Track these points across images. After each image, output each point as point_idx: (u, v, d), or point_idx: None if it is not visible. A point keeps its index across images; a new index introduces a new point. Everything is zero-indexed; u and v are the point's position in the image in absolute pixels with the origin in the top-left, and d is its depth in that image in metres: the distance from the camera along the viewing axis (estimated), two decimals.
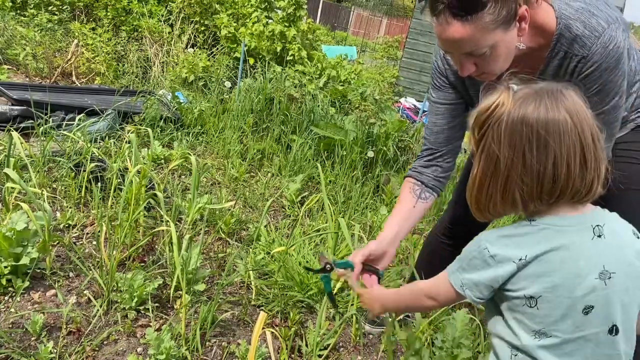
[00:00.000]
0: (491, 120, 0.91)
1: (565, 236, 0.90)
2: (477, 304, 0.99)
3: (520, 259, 0.89)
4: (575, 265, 0.88)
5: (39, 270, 1.88)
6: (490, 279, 0.93)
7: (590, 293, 0.88)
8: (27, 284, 1.77)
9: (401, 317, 2.06)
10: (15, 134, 2.20)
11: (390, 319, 1.58)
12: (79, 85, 4.51)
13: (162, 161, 3.18)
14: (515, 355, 0.96)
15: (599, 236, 0.91)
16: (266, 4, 5.62)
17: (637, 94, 1.43)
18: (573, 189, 0.88)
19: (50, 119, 2.99)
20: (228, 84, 4.48)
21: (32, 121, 2.97)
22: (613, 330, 0.91)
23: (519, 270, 0.90)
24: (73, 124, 3.01)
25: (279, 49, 5.37)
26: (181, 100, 4.05)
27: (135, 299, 1.78)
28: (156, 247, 2.19)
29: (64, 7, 5.54)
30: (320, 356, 1.76)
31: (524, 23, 1.19)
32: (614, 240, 0.92)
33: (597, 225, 0.91)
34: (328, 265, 1.32)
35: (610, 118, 1.30)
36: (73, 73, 4.63)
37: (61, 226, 2.22)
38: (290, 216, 2.86)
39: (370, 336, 2.00)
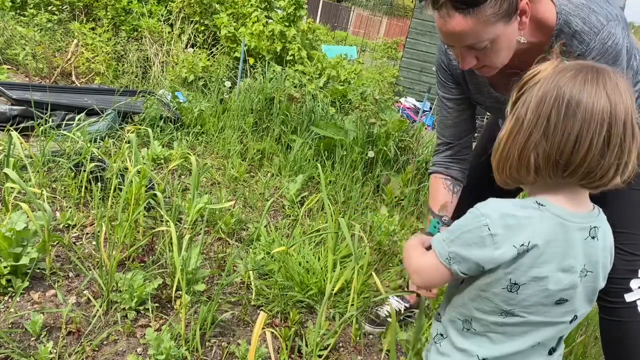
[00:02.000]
0: (529, 83, 0.89)
1: (567, 232, 0.88)
2: (461, 278, 0.95)
3: (522, 245, 0.86)
4: (566, 262, 0.88)
5: (38, 270, 1.88)
6: (484, 259, 0.88)
7: (570, 289, 0.90)
8: (26, 284, 1.77)
9: (402, 317, 2.06)
10: (14, 134, 2.20)
11: (391, 320, 1.58)
12: (78, 85, 4.51)
13: (162, 161, 3.18)
14: (468, 330, 0.96)
15: (593, 237, 0.91)
16: (266, 3, 5.62)
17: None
18: (588, 168, 0.83)
19: (50, 119, 2.99)
20: (228, 83, 4.48)
21: (31, 121, 2.96)
22: (574, 319, 0.95)
23: (518, 256, 0.86)
24: (73, 123, 3.01)
25: (279, 48, 5.37)
26: (181, 100, 4.05)
27: (135, 299, 1.77)
28: (156, 247, 2.19)
29: (64, 7, 5.54)
30: (320, 356, 1.75)
31: (524, 17, 1.19)
32: (601, 243, 0.93)
33: (595, 227, 0.91)
34: (445, 218, 1.35)
35: None
36: (73, 73, 4.63)
37: (61, 226, 2.21)
38: (290, 216, 2.86)
39: (370, 336, 2.00)
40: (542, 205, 0.88)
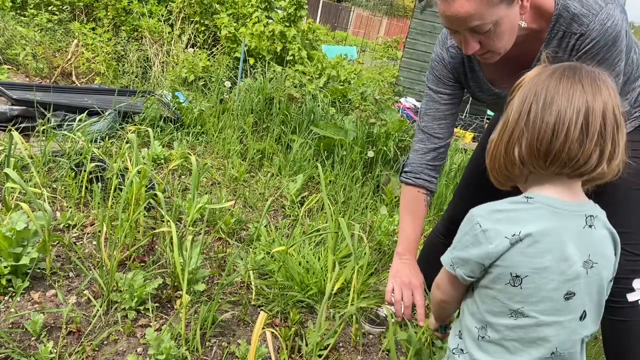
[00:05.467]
0: (517, 89, 0.95)
1: (560, 219, 0.90)
2: (468, 282, 0.98)
3: (513, 235, 0.88)
4: (565, 250, 0.89)
5: (39, 270, 1.88)
6: (482, 256, 0.91)
7: (575, 279, 0.90)
8: (27, 284, 1.77)
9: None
10: (15, 134, 2.20)
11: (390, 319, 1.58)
12: (79, 85, 4.51)
13: (162, 161, 3.18)
14: (483, 338, 0.96)
15: (590, 226, 0.92)
16: (266, 4, 5.62)
17: None
18: (569, 154, 0.87)
19: (52, 119, 2.99)
20: (228, 84, 4.48)
21: (32, 121, 2.96)
22: (583, 315, 0.95)
23: (512, 246, 0.89)
24: (73, 124, 3.01)
25: (279, 49, 5.37)
26: (181, 100, 4.05)
27: (135, 299, 1.77)
28: (156, 247, 2.19)
29: (64, 7, 5.54)
30: (320, 356, 1.76)
31: (525, 1, 1.21)
32: (601, 233, 0.94)
33: (591, 216, 0.93)
34: None
35: None
36: (73, 73, 4.63)
37: (61, 226, 2.21)
38: (290, 216, 2.86)
39: (370, 336, 2.00)
40: (530, 198, 0.92)
